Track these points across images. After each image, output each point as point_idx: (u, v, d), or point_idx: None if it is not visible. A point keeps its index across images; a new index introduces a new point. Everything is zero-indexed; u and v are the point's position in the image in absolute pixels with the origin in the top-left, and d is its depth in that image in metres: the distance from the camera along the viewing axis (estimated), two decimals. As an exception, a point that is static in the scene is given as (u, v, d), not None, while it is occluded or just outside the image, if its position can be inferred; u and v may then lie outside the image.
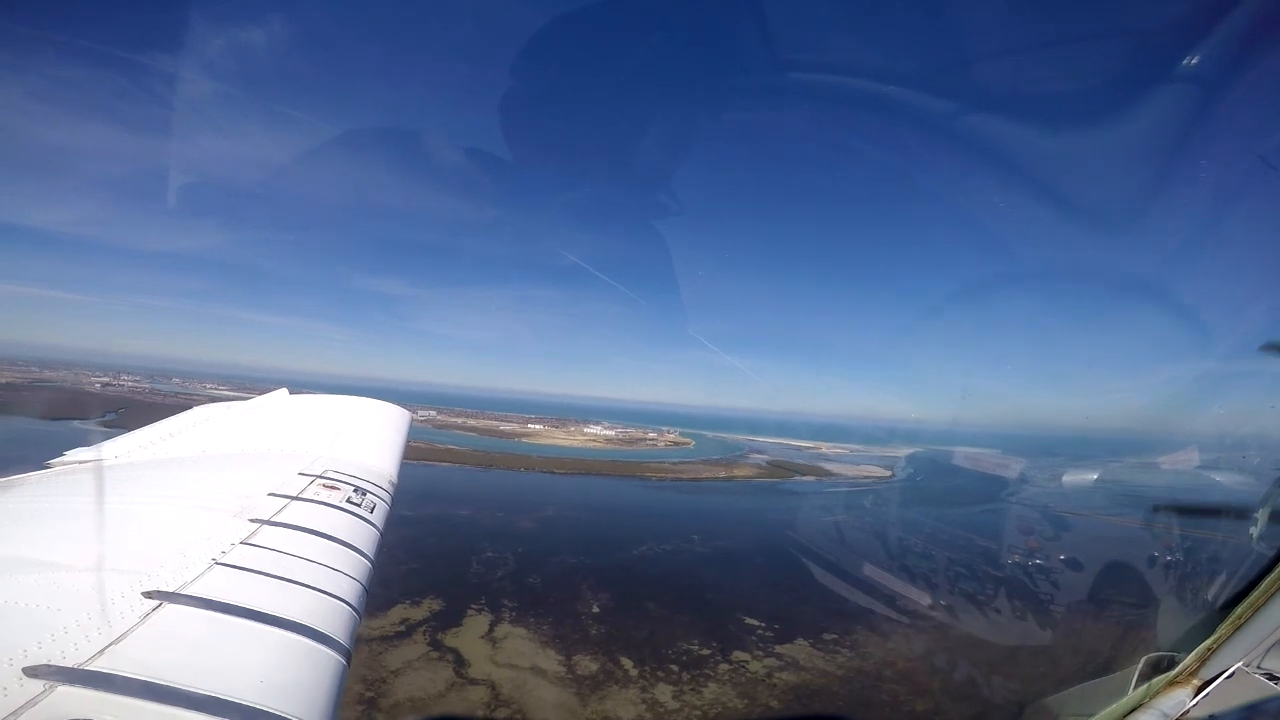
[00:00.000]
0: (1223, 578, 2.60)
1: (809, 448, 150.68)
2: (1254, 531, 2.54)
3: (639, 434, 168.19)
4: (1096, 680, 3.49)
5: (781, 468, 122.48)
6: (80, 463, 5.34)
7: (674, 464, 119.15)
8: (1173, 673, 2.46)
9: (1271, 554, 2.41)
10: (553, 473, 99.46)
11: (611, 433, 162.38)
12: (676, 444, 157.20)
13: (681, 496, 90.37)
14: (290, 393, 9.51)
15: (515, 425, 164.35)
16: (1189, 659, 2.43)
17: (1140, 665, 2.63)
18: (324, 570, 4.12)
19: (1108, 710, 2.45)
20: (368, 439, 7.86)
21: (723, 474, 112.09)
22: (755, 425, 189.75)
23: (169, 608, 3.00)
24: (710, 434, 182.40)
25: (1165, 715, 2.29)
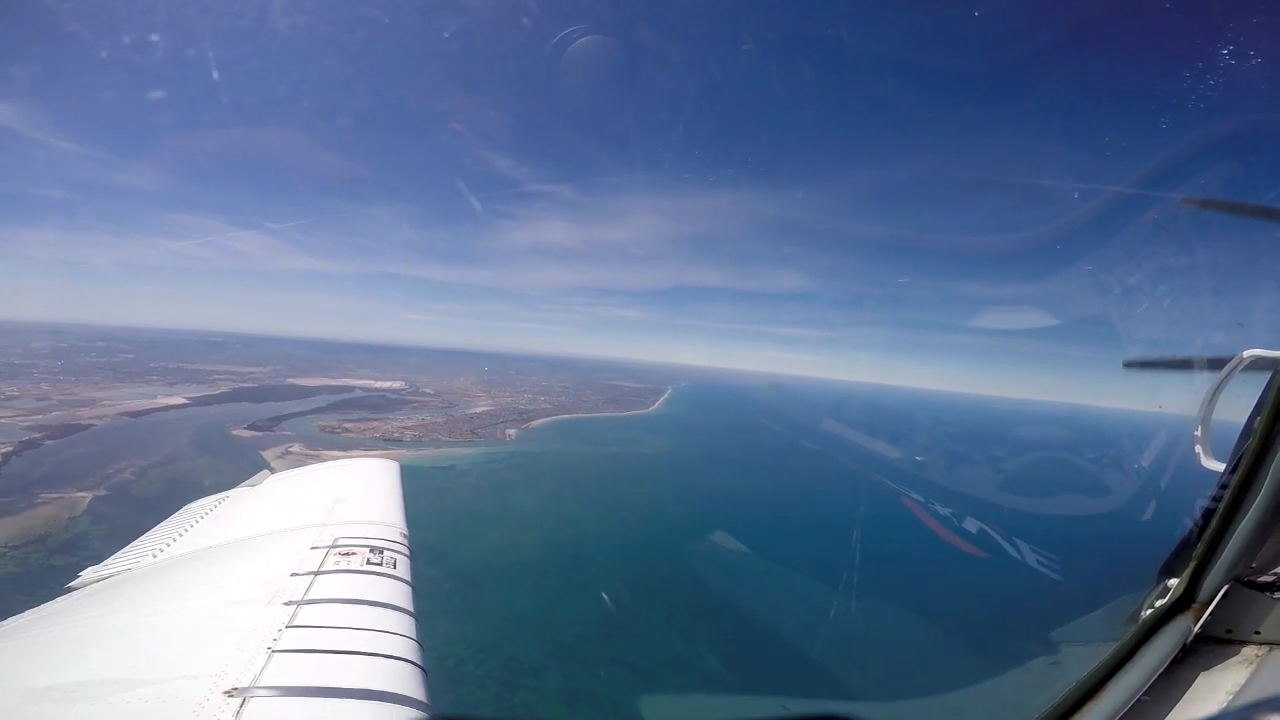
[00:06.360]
0: (1188, 499, 2.67)
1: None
2: (1199, 450, 2.81)
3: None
4: (1088, 615, 3.63)
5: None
6: (100, 579, 5.26)
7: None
8: (1165, 601, 2.52)
9: (1225, 465, 2.54)
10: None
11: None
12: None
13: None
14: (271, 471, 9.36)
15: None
16: (1177, 584, 2.50)
17: (1129, 597, 2.69)
18: (373, 634, 4.24)
19: (1107, 646, 2.47)
20: (365, 497, 7.85)
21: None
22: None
23: (252, 703, 3.12)
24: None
25: (1164, 647, 2.34)
